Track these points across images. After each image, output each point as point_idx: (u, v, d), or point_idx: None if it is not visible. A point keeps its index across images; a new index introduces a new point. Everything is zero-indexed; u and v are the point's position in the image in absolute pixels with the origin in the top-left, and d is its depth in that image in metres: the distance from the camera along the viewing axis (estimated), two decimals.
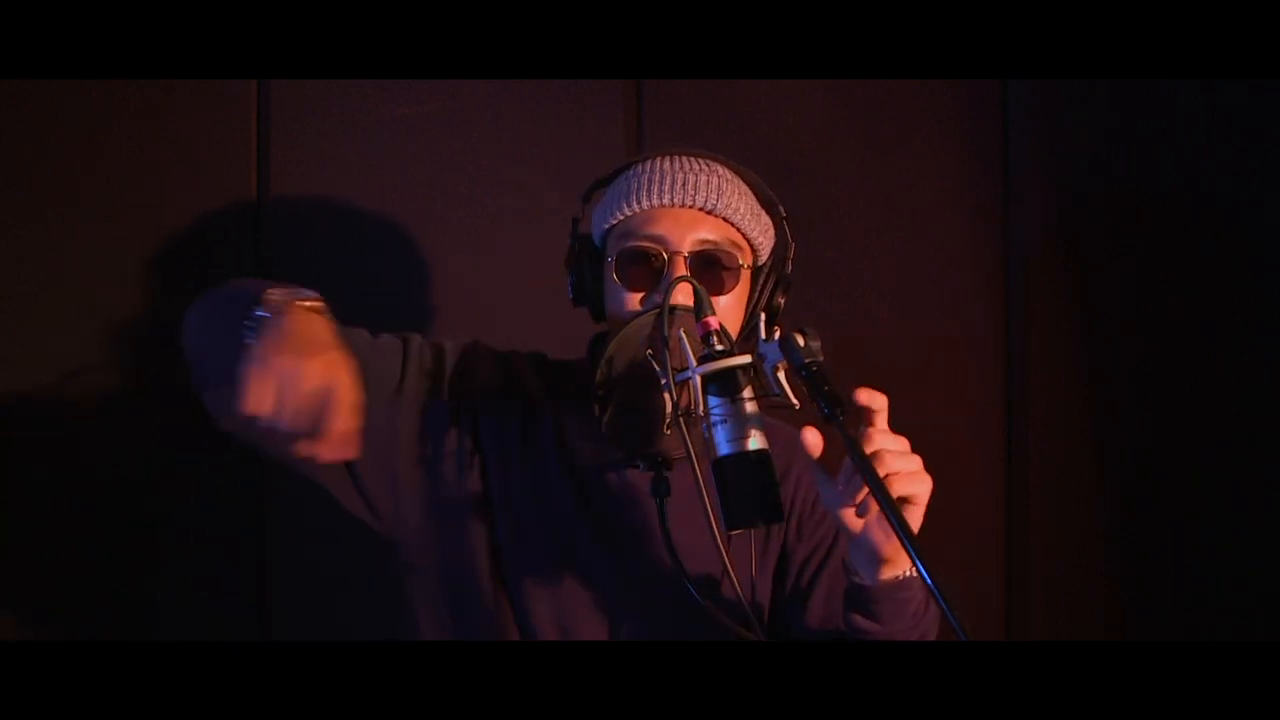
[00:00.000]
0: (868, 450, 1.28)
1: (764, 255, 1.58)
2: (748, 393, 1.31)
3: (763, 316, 1.39)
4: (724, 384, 1.30)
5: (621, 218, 1.52)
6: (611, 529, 1.51)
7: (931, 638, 1.46)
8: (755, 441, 1.29)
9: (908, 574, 1.38)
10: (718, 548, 1.32)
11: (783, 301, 1.57)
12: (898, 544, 1.34)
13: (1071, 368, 2.19)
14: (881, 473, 1.26)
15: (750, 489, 1.28)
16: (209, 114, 1.95)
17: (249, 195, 1.97)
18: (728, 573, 1.35)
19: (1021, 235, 2.19)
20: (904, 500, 1.29)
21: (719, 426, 1.30)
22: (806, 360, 1.29)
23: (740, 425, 1.29)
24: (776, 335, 1.33)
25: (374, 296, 2.00)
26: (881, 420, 1.31)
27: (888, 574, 1.37)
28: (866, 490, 1.28)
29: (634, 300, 1.49)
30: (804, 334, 1.31)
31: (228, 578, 1.95)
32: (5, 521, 1.89)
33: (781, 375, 1.32)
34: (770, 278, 1.57)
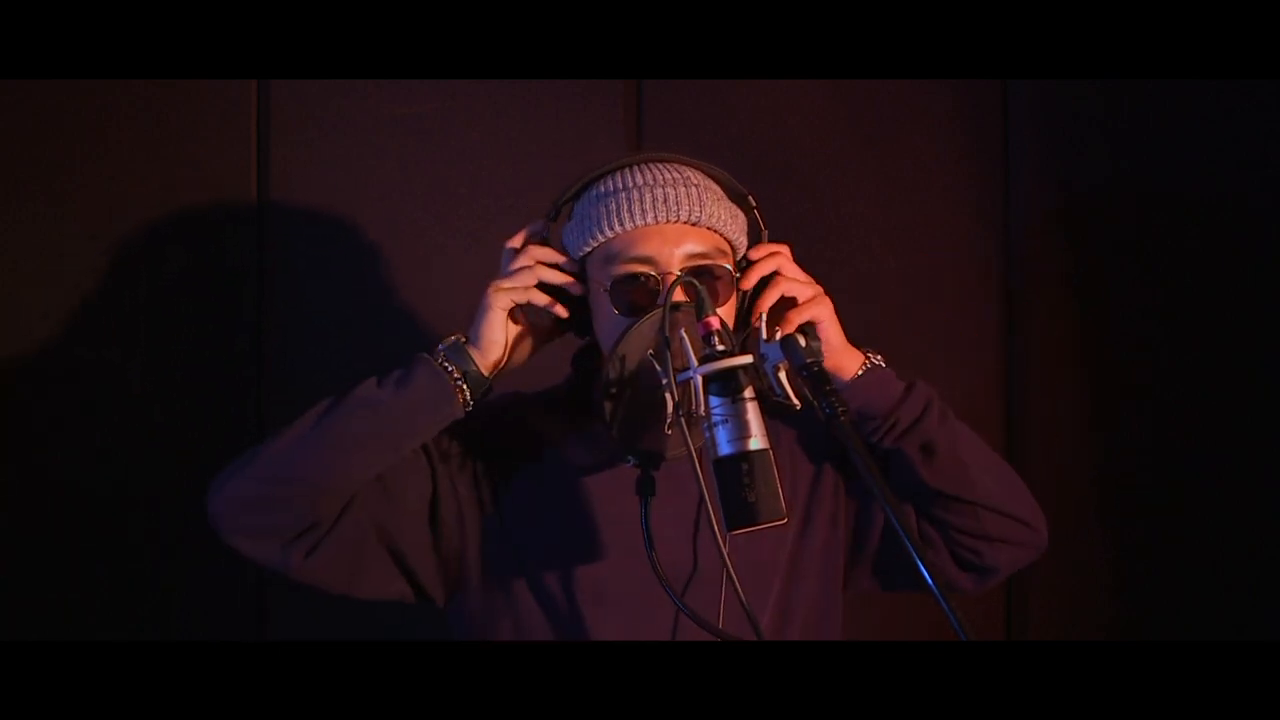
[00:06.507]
0: (779, 286, 1.45)
1: (741, 251, 1.55)
2: (749, 393, 1.31)
3: (764, 317, 1.38)
4: (725, 384, 1.31)
5: (603, 239, 1.47)
6: (606, 529, 1.51)
7: (941, 425, 1.52)
8: (757, 441, 1.29)
9: (866, 364, 1.50)
10: (718, 548, 1.33)
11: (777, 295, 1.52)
12: (838, 348, 1.46)
13: (1071, 367, 2.19)
14: (775, 296, 1.45)
15: (751, 488, 1.28)
16: (209, 114, 1.95)
17: (249, 195, 1.97)
18: (728, 573, 1.35)
19: (1021, 235, 2.19)
20: (813, 322, 1.43)
21: (720, 426, 1.30)
22: (808, 360, 1.29)
23: (741, 425, 1.30)
24: (778, 335, 1.33)
25: (374, 296, 2.00)
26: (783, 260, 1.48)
27: (845, 375, 1.48)
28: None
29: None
30: (805, 334, 1.31)
31: (228, 578, 1.95)
32: (5, 521, 1.89)
33: (782, 375, 1.33)
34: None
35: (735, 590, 1.37)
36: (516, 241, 1.52)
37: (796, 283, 1.47)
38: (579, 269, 1.51)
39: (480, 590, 1.51)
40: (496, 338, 1.47)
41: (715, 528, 1.32)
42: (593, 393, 1.48)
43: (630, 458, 1.46)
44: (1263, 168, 2.14)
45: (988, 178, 2.19)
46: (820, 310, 1.45)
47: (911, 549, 1.18)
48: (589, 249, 1.49)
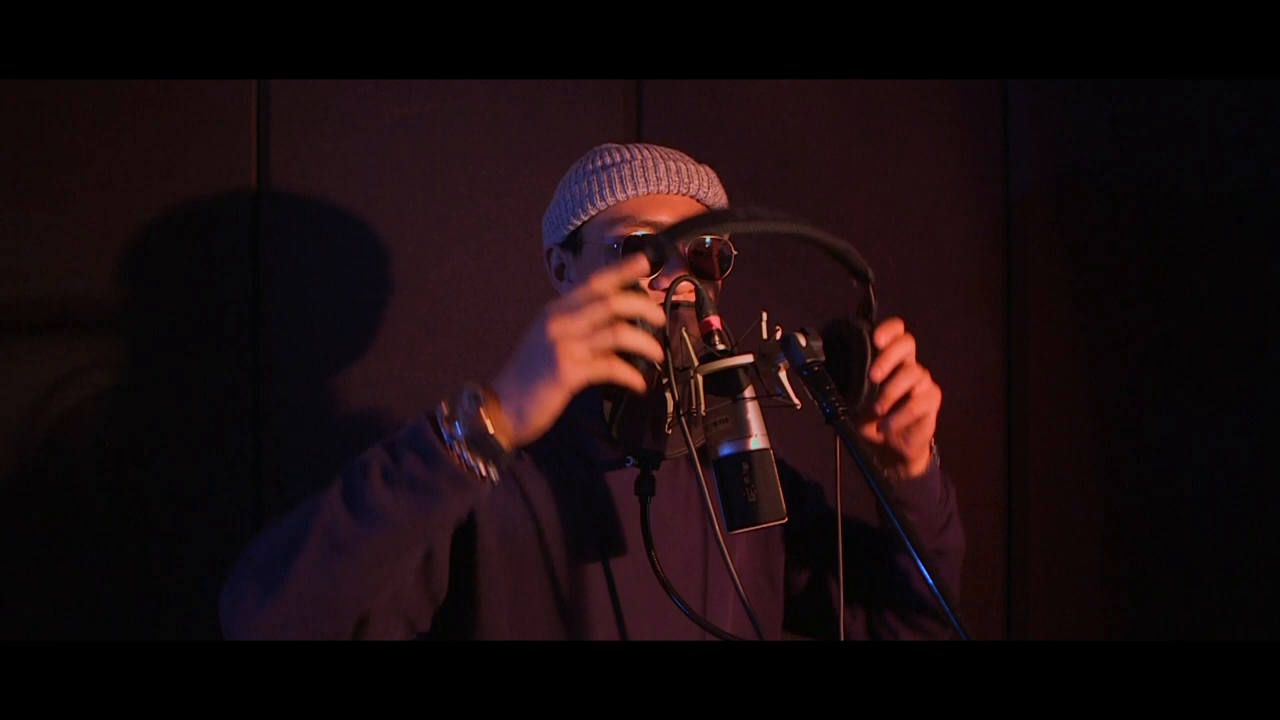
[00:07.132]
0: (909, 376, 1.38)
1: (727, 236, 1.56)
2: (749, 392, 1.31)
3: (764, 316, 1.38)
4: (726, 383, 1.31)
5: (612, 202, 1.48)
6: (609, 529, 1.51)
7: (957, 536, 1.52)
8: (757, 441, 1.29)
9: (930, 463, 1.46)
10: (719, 548, 1.32)
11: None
12: (918, 444, 1.42)
13: (1072, 367, 2.19)
14: (905, 387, 1.37)
15: (751, 488, 1.28)
16: (209, 114, 1.95)
17: (249, 195, 1.97)
18: (729, 573, 1.35)
19: (1021, 235, 2.19)
20: (923, 415, 1.39)
21: (720, 426, 1.30)
22: (808, 360, 1.29)
23: (742, 425, 1.30)
24: (778, 335, 1.33)
25: (374, 296, 2.00)
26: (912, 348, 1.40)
27: (915, 470, 1.44)
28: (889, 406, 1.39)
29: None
30: (805, 334, 1.31)
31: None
32: (5, 521, 1.89)
33: (783, 375, 1.33)
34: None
35: (736, 590, 1.37)
36: (605, 284, 1.20)
37: (918, 372, 1.40)
38: (573, 244, 1.51)
39: (473, 592, 1.49)
40: (544, 423, 1.20)
41: (716, 527, 1.32)
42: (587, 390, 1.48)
43: (630, 458, 1.46)
44: (1263, 168, 2.15)
45: (988, 178, 2.19)
46: (931, 406, 1.41)
47: (914, 551, 1.18)
48: (589, 215, 1.49)
